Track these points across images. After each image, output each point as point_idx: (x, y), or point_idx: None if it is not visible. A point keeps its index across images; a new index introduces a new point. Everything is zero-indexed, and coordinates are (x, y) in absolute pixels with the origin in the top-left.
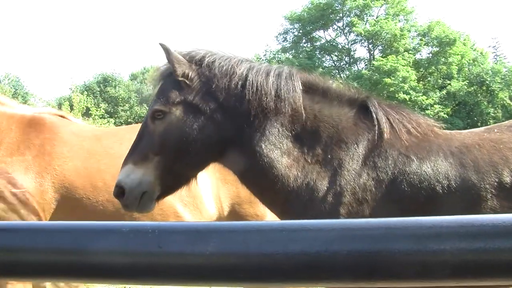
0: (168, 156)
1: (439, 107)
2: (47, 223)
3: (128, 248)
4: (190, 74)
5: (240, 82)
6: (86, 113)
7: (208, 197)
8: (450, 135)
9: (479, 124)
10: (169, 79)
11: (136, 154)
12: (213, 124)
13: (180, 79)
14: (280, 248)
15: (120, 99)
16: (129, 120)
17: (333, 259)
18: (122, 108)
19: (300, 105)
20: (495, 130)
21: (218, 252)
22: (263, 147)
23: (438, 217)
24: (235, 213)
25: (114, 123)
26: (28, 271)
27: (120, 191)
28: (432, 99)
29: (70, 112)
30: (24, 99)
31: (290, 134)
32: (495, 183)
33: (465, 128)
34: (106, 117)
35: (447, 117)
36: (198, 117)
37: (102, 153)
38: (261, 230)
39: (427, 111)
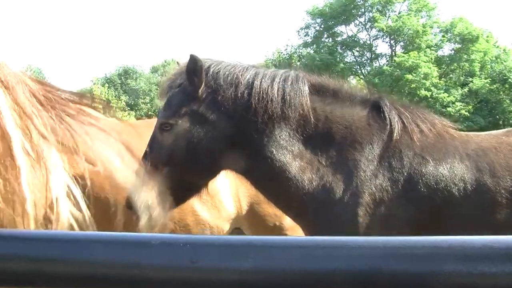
0: (177, 167)
1: (461, 105)
2: (73, 233)
3: (158, 262)
4: (199, 86)
5: (246, 91)
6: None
7: (226, 195)
8: (466, 137)
9: (500, 122)
10: (177, 91)
11: (146, 166)
12: (221, 134)
13: (190, 90)
14: (321, 265)
15: (141, 91)
16: (149, 112)
17: (377, 277)
18: (142, 100)
19: (308, 108)
20: None
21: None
22: (274, 152)
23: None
24: (253, 212)
25: (135, 115)
26: (56, 282)
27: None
28: (454, 97)
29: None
30: None
31: (302, 137)
32: (511, 188)
33: (486, 127)
34: (127, 109)
35: (468, 115)
36: (206, 128)
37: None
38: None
39: (448, 109)
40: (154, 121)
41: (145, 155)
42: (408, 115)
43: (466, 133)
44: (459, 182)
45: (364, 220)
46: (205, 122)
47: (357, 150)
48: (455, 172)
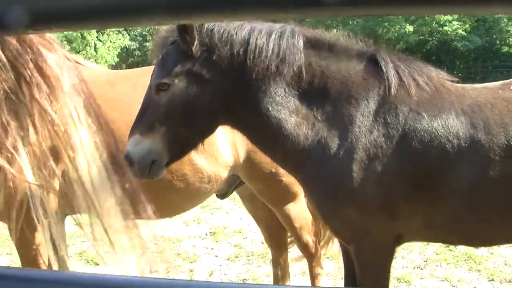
0: (175, 126)
1: (458, 24)
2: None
3: None
4: (191, 44)
5: (241, 49)
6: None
7: (223, 144)
8: (462, 91)
9: (497, 42)
10: (171, 49)
11: (142, 125)
12: (218, 92)
13: (184, 48)
14: None
15: None
16: (143, 32)
17: None
18: None
19: (303, 64)
20: (511, 87)
21: None
22: (270, 108)
23: None
24: (250, 160)
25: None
26: None
27: (130, 161)
28: (451, 15)
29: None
30: None
31: (297, 93)
32: (504, 145)
33: (483, 46)
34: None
35: (465, 34)
36: (202, 87)
37: (115, 100)
38: None
39: (445, 28)
40: (147, 69)
41: (141, 114)
42: (404, 68)
43: (462, 86)
44: (453, 139)
45: (359, 175)
46: (201, 81)
47: (352, 105)
48: (450, 128)
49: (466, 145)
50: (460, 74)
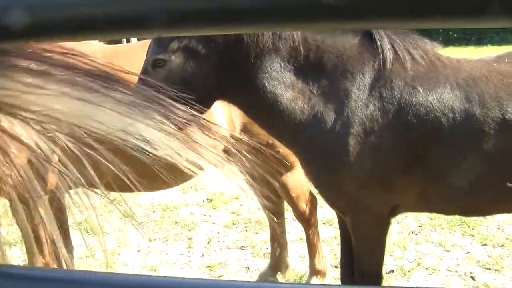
0: None
1: None
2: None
3: None
4: None
5: None
6: None
7: (220, 117)
8: (457, 64)
9: None
10: None
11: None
12: (214, 68)
13: None
14: None
15: None
16: None
17: None
18: None
19: (298, 40)
20: (506, 60)
21: None
22: (266, 84)
23: None
24: (246, 132)
25: None
26: None
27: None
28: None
29: None
30: None
31: (293, 68)
32: (499, 119)
33: None
34: None
35: None
36: (199, 63)
37: None
38: None
39: None
40: (143, 44)
41: None
42: (400, 42)
43: (458, 59)
44: (448, 113)
45: (355, 150)
46: (198, 57)
47: (348, 79)
48: (445, 102)
49: (461, 119)
50: (455, 35)
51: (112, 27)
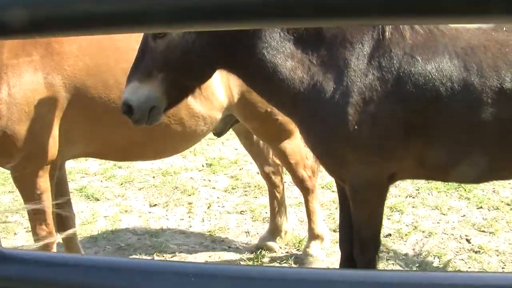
0: (173, 73)
1: None
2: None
3: None
4: None
5: None
6: None
7: (218, 86)
8: (456, 33)
9: None
10: None
11: (140, 72)
12: (214, 38)
13: None
14: None
15: None
16: None
17: None
18: None
19: None
20: (504, 29)
21: None
22: (265, 53)
23: None
24: (245, 100)
25: None
26: None
27: (128, 108)
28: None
29: None
30: None
31: (292, 37)
32: (497, 89)
33: None
34: None
35: None
36: (199, 33)
37: (111, 48)
38: None
39: None
40: None
41: (138, 61)
42: None
43: (456, 27)
44: (447, 82)
45: (354, 118)
46: None
47: (347, 49)
48: (443, 71)
49: (459, 88)
50: None
51: (113, 22)
